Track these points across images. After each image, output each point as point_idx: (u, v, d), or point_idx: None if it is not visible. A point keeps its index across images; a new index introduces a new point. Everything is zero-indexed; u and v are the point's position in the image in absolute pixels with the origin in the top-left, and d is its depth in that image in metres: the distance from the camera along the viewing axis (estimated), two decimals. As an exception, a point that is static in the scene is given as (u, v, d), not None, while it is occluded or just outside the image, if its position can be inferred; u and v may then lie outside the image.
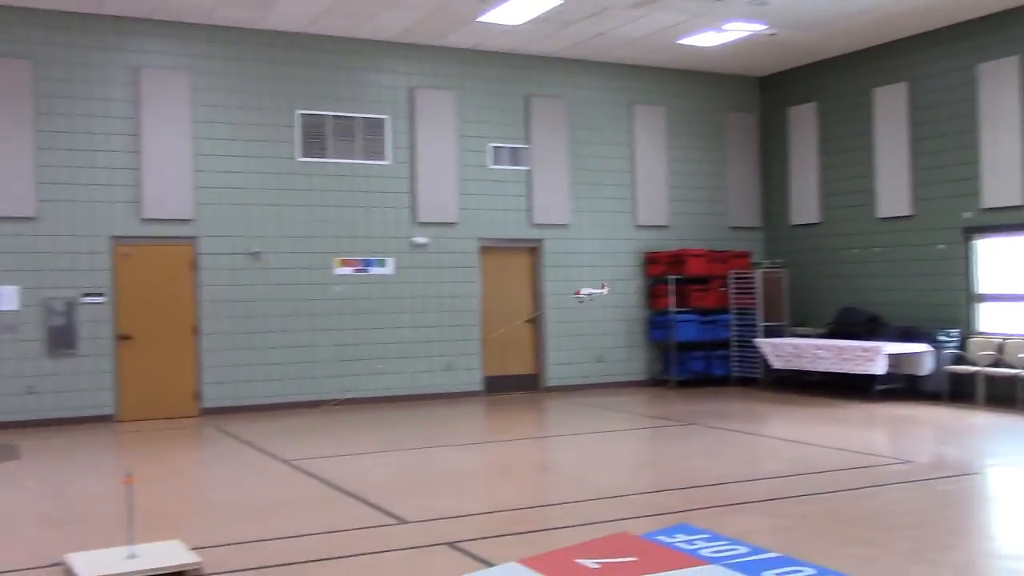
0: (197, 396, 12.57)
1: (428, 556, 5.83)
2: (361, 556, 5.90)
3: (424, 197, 13.84)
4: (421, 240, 13.82)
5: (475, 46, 14.08)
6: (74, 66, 12.08)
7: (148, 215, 12.33)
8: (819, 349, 13.31)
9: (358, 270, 13.47)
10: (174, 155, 12.47)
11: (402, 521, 6.71)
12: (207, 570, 5.52)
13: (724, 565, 5.27)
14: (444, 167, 13.99)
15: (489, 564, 5.51)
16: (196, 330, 12.59)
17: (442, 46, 14.00)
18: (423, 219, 13.83)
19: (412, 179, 13.81)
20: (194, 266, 12.62)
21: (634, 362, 15.25)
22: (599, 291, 9.64)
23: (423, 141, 13.87)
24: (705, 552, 5.53)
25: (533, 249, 14.70)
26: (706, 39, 13.81)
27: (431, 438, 10.73)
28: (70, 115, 12.03)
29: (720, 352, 15.20)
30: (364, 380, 13.42)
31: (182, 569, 5.45)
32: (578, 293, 9.42)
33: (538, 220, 14.58)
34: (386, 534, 6.41)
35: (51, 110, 11.94)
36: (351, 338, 13.35)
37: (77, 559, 5.56)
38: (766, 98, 16.32)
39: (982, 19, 12.88)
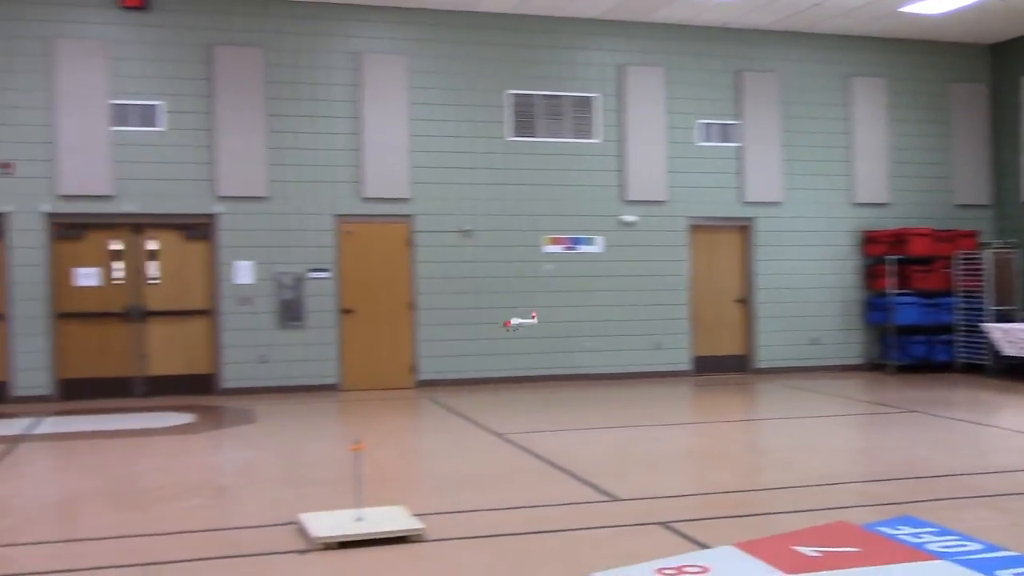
0: (413, 368, 13.08)
1: (642, 535, 5.84)
2: (575, 531, 5.98)
3: (633, 175, 13.79)
4: (630, 218, 13.79)
5: (683, 21, 13.86)
6: (300, 53, 12.74)
7: (368, 194, 12.89)
8: (1056, 335, 12.40)
9: (567, 248, 13.60)
10: (392, 136, 12.96)
11: (614, 499, 6.76)
12: (428, 536, 5.75)
13: (955, 561, 5.01)
14: (653, 145, 13.88)
15: (704, 546, 5.47)
16: (412, 305, 13.08)
17: (650, 22, 13.86)
18: (631, 197, 13.79)
19: (621, 157, 13.79)
20: (410, 243, 13.10)
21: (850, 345, 14.70)
22: (529, 320, 9.46)
23: (632, 119, 13.80)
24: (933, 547, 5.28)
25: (744, 228, 14.40)
26: (930, 6, 13.05)
27: (640, 417, 10.74)
28: (297, 100, 12.71)
29: (943, 337, 14.42)
30: (573, 357, 13.56)
31: (406, 534, 5.70)
32: (507, 324, 9.27)
33: (749, 198, 14.25)
34: (599, 511, 6.48)
35: (280, 95, 12.65)
36: (560, 315, 13.49)
37: (310, 519, 5.91)
38: (997, 67, 15.25)
39: None
